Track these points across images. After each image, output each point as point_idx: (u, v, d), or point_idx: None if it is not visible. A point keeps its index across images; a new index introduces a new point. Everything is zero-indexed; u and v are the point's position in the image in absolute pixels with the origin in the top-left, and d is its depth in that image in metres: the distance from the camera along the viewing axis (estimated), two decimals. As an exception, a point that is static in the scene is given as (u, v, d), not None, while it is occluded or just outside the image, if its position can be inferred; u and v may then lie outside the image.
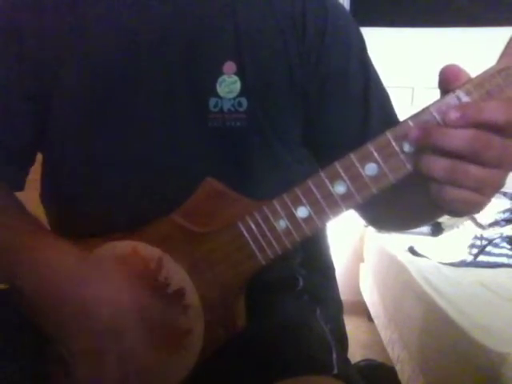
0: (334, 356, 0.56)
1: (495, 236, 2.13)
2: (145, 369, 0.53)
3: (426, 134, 0.43)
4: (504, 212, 2.22)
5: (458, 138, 0.41)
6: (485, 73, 0.44)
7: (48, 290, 0.51)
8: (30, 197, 0.67)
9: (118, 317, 0.49)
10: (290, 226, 0.50)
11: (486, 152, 0.41)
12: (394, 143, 0.45)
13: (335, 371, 0.53)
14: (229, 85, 0.60)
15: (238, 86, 0.60)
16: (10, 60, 0.62)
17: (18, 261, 0.54)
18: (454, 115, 0.42)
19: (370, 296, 2.45)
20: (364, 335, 2.47)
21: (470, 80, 0.44)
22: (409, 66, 2.71)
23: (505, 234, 2.14)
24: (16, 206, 0.63)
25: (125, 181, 0.61)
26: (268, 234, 0.51)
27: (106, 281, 0.51)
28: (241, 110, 0.60)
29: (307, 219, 0.50)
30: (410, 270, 1.82)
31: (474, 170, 0.42)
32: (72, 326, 0.50)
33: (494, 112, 0.41)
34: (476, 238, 2.15)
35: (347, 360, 0.61)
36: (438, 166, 0.42)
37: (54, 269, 0.52)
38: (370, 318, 2.51)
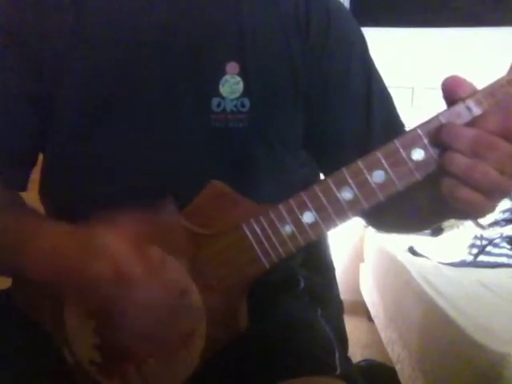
0: (337, 356, 0.56)
1: (495, 236, 2.13)
2: (147, 369, 0.53)
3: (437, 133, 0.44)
4: (504, 212, 2.22)
5: (461, 137, 0.42)
6: (495, 83, 0.44)
7: (57, 267, 0.52)
8: (30, 197, 0.67)
9: (123, 271, 0.48)
10: (295, 231, 0.50)
11: (489, 153, 0.42)
12: (402, 151, 0.45)
13: (338, 371, 0.53)
14: (232, 85, 0.60)
15: (240, 86, 0.60)
16: (11, 61, 0.62)
17: (25, 250, 0.54)
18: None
19: (370, 296, 2.45)
20: (364, 335, 2.46)
21: (479, 90, 0.44)
22: (409, 66, 2.71)
23: (505, 234, 2.13)
24: (19, 203, 0.64)
25: (127, 181, 0.61)
26: (273, 237, 0.51)
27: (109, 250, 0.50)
28: (243, 110, 0.60)
29: (313, 225, 0.50)
30: (410, 270, 1.82)
31: (493, 173, 0.42)
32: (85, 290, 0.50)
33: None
34: (476, 238, 2.14)
35: (349, 360, 0.61)
36: (459, 161, 0.42)
37: (59, 250, 0.52)
38: (370, 318, 2.51)
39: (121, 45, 0.61)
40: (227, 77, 0.60)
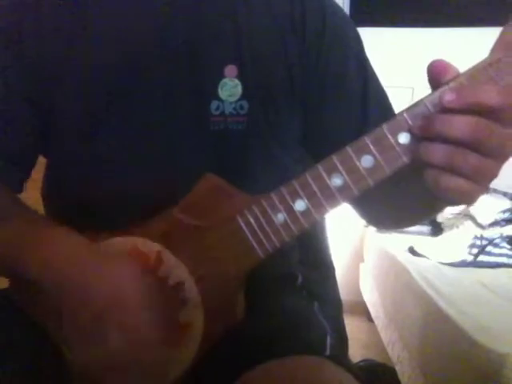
0: (329, 341, 0.56)
1: (495, 236, 2.13)
2: (144, 361, 0.53)
3: (429, 122, 0.43)
4: (504, 212, 2.22)
5: (461, 126, 0.41)
6: (477, 65, 0.45)
7: (57, 278, 0.51)
8: (31, 197, 0.67)
9: (119, 295, 0.49)
10: (287, 219, 0.51)
11: (488, 141, 0.41)
12: (389, 135, 0.46)
13: (327, 353, 0.53)
14: (230, 88, 0.60)
15: (239, 89, 0.60)
16: (9, 61, 0.62)
17: (25, 253, 0.54)
18: (449, 97, 0.42)
19: (370, 296, 2.45)
20: (364, 335, 2.47)
21: (462, 73, 0.44)
22: (409, 66, 2.71)
23: (505, 234, 2.14)
24: (17, 203, 0.64)
25: (126, 182, 0.61)
26: (266, 227, 0.52)
27: (109, 268, 0.51)
28: (242, 112, 0.60)
29: (305, 212, 0.50)
30: (409, 270, 1.82)
31: (473, 158, 0.42)
32: (79, 311, 0.50)
33: (489, 93, 0.41)
34: (476, 238, 2.15)
35: (348, 360, 0.61)
36: (437, 151, 0.43)
37: (62, 258, 0.52)
38: (370, 318, 2.51)
39: (120, 47, 0.61)
40: (226, 80, 0.60)
